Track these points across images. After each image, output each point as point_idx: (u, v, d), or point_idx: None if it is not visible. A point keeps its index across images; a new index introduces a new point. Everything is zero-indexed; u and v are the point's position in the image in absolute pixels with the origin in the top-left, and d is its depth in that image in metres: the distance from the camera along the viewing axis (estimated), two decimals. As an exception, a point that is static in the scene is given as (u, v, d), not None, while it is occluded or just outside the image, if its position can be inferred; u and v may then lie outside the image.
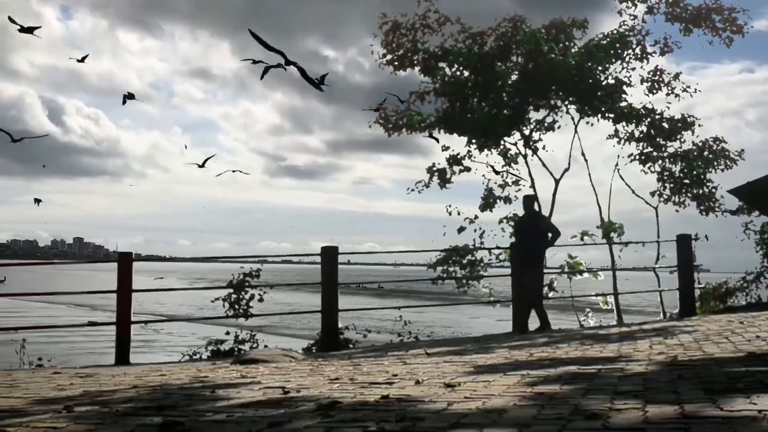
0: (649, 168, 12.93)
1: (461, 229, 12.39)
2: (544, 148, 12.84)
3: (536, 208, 11.16)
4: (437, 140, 12.64)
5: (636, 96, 12.83)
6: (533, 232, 10.06)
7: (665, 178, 12.86)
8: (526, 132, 12.72)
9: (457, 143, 13.05)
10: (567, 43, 12.55)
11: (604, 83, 12.43)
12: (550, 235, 10.16)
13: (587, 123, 12.90)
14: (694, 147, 12.71)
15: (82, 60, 10.38)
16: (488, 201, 12.67)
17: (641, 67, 12.84)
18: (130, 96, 10.54)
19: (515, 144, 12.75)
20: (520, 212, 12.77)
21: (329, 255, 9.45)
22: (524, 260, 10.01)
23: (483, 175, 12.89)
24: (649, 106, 12.67)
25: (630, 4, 12.84)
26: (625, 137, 12.82)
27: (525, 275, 9.96)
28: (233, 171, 14.52)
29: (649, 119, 12.61)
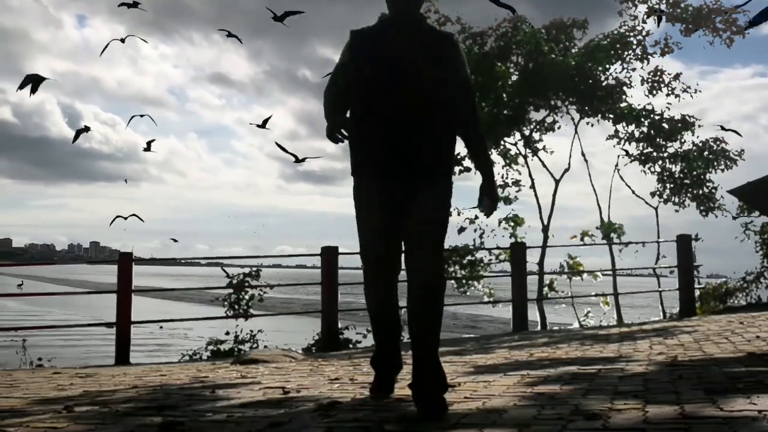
0: (649, 168, 12.94)
1: (461, 230, 12.41)
2: (544, 148, 12.87)
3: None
4: None
5: (637, 97, 12.88)
6: (428, 79, 3.23)
7: (665, 178, 12.86)
8: (527, 132, 12.74)
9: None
10: (567, 44, 12.56)
11: (604, 84, 12.44)
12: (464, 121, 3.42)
13: (587, 123, 12.91)
14: (694, 147, 12.71)
15: None
16: (488, 201, 12.64)
17: (642, 68, 12.87)
18: None
19: (515, 144, 12.77)
20: (520, 212, 12.62)
21: (329, 255, 9.45)
22: (411, 159, 3.23)
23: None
24: (650, 107, 12.68)
25: (630, 5, 12.86)
26: (625, 138, 12.83)
27: (420, 203, 3.21)
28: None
29: (649, 120, 12.62)
